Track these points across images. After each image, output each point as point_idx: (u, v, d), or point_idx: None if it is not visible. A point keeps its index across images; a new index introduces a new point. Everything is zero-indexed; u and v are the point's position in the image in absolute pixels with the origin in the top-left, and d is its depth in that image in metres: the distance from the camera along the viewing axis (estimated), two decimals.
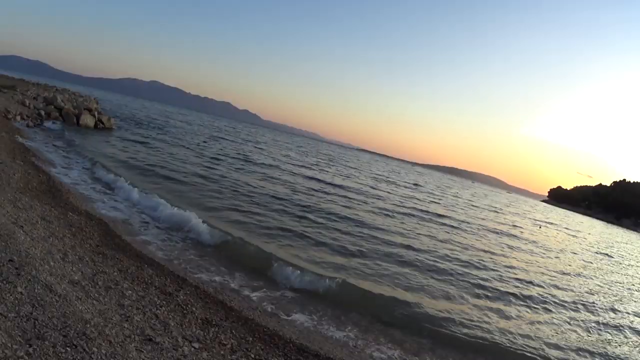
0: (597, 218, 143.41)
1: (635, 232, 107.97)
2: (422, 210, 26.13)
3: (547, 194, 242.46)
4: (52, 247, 5.99)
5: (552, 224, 50.13)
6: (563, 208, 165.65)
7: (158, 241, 9.08)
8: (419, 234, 17.67)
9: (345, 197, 23.69)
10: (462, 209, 35.80)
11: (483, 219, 31.02)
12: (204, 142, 39.33)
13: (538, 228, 38.33)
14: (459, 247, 16.75)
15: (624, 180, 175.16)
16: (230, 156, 31.28)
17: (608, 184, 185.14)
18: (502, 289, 11.93)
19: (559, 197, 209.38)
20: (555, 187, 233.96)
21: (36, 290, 4.21)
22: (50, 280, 4.61)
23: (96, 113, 30.34)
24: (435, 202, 35.28)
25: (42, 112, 27.45)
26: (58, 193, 10.22)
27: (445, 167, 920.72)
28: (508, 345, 7.86)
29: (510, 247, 20.71)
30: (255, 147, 50.25)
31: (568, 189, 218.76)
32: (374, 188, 34.11)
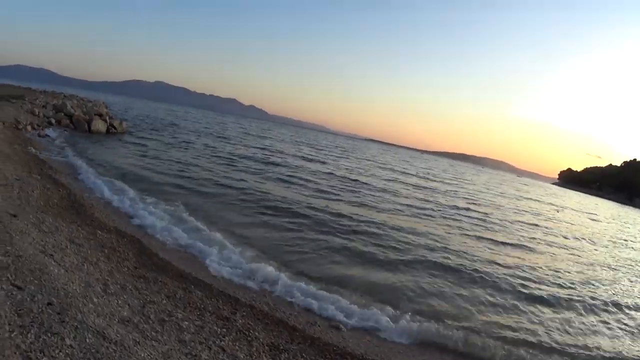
0: (609, 199, 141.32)
1: None
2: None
3: (557, 177, 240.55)
4: (90, 276, 5.36)
5: (572, 209, 49.03)
6: (574, 190, 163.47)
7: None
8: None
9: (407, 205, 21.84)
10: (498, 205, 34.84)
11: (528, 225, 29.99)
12: (215, 143, 38.74)
13: (557, 212, 38.52)
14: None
15: (635, 160, 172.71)
16: (253, 159, 30.42)
17: (618, 164, 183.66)
18: None
19: (570, 179, 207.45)
20: (565, 169, 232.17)
21: (88, 340, 3.57)
22: (100, 324, 3.97)
23: (107, 118, 29.80)
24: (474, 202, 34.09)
25: (53, 120, 26.98)
26: (82, 209, 9.62)
27: (455, 153, 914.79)
28: None
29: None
30: (271, 145, 49.65)
31: (578, 170, 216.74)
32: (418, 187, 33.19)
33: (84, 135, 25.86)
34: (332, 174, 29.20)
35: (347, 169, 35.93)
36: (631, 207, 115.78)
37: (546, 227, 24.73)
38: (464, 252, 13.39)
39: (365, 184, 27.25)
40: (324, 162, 37.73)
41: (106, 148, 22.05)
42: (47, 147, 18.26)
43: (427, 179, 43.89)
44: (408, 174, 44.39)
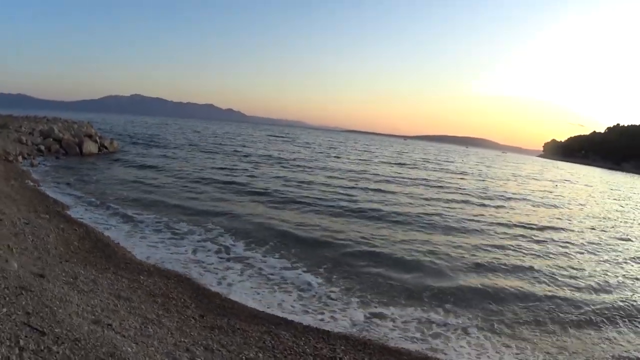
0: (597, 166, 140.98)
1: (637, 175, 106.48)
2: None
3: (541, 149, 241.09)
4: (164, 344, 4.46)
5: (567, 181, 48.75)
6: (560, 160, 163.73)
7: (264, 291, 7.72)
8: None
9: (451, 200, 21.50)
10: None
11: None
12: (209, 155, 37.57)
13: (555, 186, 38.81)
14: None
15: (618, 124, 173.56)
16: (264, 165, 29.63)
17: (601, 131, 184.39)
18: None
19: (555, 150, 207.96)
20: (549, 140, 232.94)
21: None
22: None
23: (97, 138, 28.54)
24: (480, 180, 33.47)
25: (42, 147, 25.59)
26: (107, 249, 8.66)
27: (436, 135, 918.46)
28: None
29: None
30: (266, 149, 48.46)
31: (562, 140, 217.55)
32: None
33: (77, 159, 24.60)
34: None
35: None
36: (621, 172, 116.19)
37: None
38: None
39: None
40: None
41: (105, 172, 20.77)
42: (43, 178, 17.05)
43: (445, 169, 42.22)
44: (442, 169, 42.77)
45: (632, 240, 16.66)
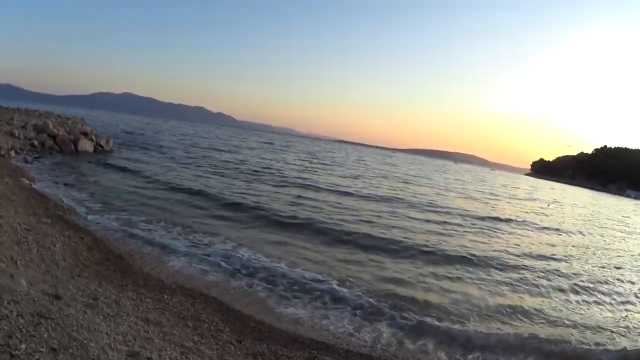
0: (584, 186, 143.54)
1: (622, 197, 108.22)
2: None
3: (529, 167, 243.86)
4: None
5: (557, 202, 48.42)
6: (548, 180, 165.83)
7: (304, 312, 7.16)
8: None
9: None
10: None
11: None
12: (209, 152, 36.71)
13: (547, 206, 38.62)
14: None
15: (605, 146, 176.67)
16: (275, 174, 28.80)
17: (588, 152, 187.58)
18: None
19: (543, 169, 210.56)
20: (537, 159, 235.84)
21: None
22: None
23: (93, 137, 27.58)
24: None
25: (36, 142, 24.55)
26: (121, 262, 7.95)
27: (425, 150, 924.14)
28: None
29: None
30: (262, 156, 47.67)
31: (550, 160, 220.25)
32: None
33: (72, 157, 23.66)
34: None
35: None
36: (606, 194, 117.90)
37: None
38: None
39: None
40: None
41: (103, 173, 19.85)
42: (40, 176, 16.12)
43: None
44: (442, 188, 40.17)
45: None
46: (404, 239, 13.56)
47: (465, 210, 24.01)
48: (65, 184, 15.38)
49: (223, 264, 8.96)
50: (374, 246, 12.30)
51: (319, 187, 24.64)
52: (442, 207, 23.40)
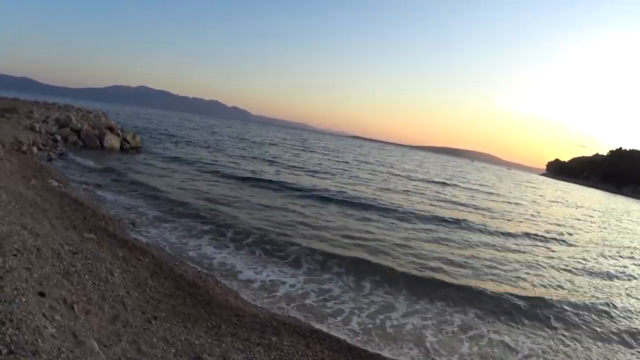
0: (598, 188, 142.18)
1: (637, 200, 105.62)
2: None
3: (544, 167, 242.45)
4: None
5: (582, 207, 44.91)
6: (564, 180, 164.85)
7: None
8: None
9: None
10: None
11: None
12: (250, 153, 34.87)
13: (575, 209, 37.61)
14: None
15: (620, 148, 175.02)
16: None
17: (602, 153, 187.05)
18: None
19: (558, 170, 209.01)
20: (552, 160, 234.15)
21: None
22: None
23: (119, 131, 25.87)
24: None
25: (58, 137, 22.89)
26: (198, 291, 6.50)
27: (440, 147, 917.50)
28: None
29: None
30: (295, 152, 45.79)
31: (566, 160, 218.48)
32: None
33: (98, 153, 21.93)
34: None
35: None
36: (621, 196, 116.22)
37: None
38: None
39: None
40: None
41: (139, 172, 17.90)
42: (69, 177, 14.37)
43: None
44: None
45: None
46: None
47: None
48: (98, 185, 13.63)
49: (329, 284, 7.47)
50: None
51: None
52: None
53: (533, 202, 35.89)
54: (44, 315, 4.01)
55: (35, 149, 18.42)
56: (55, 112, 33.20)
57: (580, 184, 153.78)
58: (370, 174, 33.82)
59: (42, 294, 4.51)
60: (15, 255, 5.24)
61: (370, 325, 6.60)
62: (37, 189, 10.93)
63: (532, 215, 24.85)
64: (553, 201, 41.88)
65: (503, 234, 16.40)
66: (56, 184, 12.56)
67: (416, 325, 6.74)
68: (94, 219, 9.29)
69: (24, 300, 4.07)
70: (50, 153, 18.82)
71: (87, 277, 5.58)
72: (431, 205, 21.19)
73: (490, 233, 16.08)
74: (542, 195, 46.63)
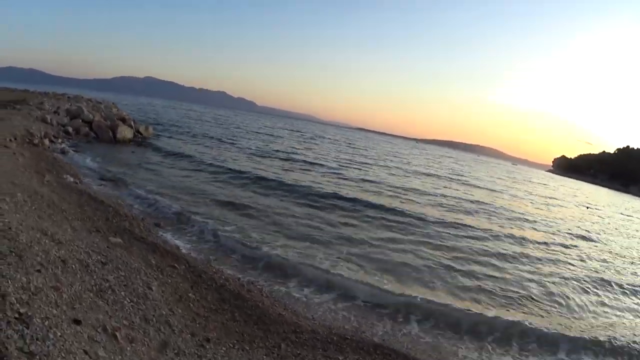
0: (605, 186, 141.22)
1: None
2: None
3: (549, 164, 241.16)
4: None
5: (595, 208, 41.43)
6: (570, 177, 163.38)
7: None
8: None
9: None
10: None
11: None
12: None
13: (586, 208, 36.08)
14: None
15: (628, 146, 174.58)
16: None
17: (608, 151, 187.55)
18: None
19: (565, 167, 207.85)
20: (559, 156, 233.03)
21: None
22: None
23: (132, 123, 25.16)
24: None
25: (70, 129, 22.17)
26: (245, 304, 5.86)
27: (446, 141, 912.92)
28: None
29: None
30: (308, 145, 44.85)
31: (572, 157, 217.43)
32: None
33: (112, 145, 21.28)
34: None
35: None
36: (628, 195, 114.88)
37: None
38: None
39: None
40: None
41: (155, 165, 17.14)
42: (84, 171, 13.69)
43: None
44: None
45: None
46: None
47: None
48: (114, 180, 12.93)
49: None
50: None
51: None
52: None
53: None
54: (85, 352, 3.29)
55: (47, 141, 17.72)
56: (65, 103, 32.48)
57: (587, 181, 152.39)
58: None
59: (77, 322, 3.78)
60: (39, 271, 4.52)
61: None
62: (53, 186, 10.20)
63: None
64: None
65: None
66: (72, 179, 11.87)
67: None
68: (116, 219, 8.57)
69: (59, 334, 3.34)
70: (63, 145, 18.14)
71: (123, 293, 4.86)
72: None
73: None
74: None
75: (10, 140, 14.42)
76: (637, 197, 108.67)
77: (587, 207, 37.56)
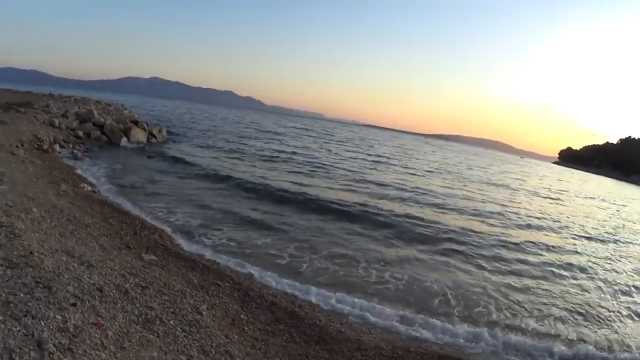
0: (608, 176, 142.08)
1: None
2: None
3: (556, 156, 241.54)
4: None
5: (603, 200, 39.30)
6: (576, 169, 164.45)
7: None
8: None
9: None
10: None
11: None
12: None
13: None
14: None
15: (630, 137, 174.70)
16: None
17: (613, 141, 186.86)
18: None
19: (570, 158, 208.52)
20: (564, 148, 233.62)
21: None
22: None
23: (145, 125, 24.62)
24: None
25: (80, 133, 21.47)
26: (303, 323, 5.32)
27: (453, 135, 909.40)
28: None
29: None
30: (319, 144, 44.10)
31: (577, 149, 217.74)
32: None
33: (125, 150, 20.56)
34: None
35: None
36: (629, 184, 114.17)
37: None
38: None
39: None
40: None
41: (172, 170, 16.47)
42: (101, 180, 13.01)
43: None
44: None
45: None
46: None
47: None
48: (133, 187, 12.36)
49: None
50: None
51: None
52: None
53: None
54: None
55: (57, 147, 16.95)
56: (73, 105, 31.93)
57: (592, 172, 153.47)
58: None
59: None
60: (74, 305, 3.91)
61: None
62: (70, 197, 9.47)
63: None
64: None
65: None
66: (89, 188, 11.17)
67: None
68: (145, 232, 7.92)
69: None
70: (75, 151, 17.52)
71: (172, 322, 4.25)
72: None
73: None
74: None
75: (17, 146, 13.63)
76: (636, 186, 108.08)
77: None
